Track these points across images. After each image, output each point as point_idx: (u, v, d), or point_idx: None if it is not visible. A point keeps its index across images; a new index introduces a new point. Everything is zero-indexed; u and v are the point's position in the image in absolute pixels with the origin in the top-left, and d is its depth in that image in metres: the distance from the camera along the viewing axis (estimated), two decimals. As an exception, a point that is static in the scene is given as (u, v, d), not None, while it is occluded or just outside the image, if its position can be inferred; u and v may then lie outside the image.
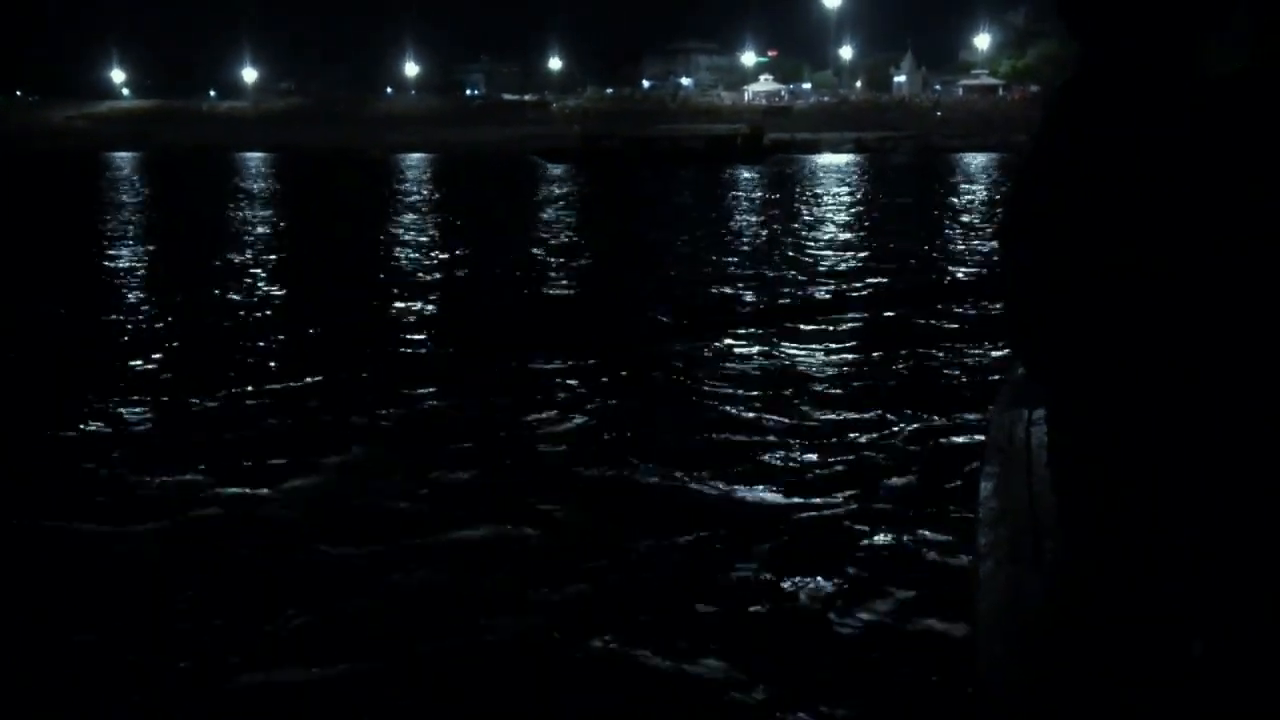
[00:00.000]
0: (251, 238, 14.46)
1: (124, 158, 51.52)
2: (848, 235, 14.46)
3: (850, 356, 6.36)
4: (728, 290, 9.30)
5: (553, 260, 11.71)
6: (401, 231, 15.35)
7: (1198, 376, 1.22)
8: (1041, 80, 69.75)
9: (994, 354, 6.33)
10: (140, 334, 7.48)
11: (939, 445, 4.58)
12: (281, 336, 7.28)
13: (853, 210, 19.12)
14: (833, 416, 5.06)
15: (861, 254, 12.17)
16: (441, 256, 12.29)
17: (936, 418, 4.98)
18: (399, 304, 8.80)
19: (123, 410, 5.21)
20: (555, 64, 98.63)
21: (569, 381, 5.60)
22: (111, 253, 12.65)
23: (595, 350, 6.62)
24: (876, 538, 3.58)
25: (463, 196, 25.12)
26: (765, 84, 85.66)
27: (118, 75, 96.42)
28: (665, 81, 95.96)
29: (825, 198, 22.34)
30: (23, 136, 66.75)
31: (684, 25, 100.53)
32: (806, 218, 17.38)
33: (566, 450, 4.61)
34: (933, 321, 7.38)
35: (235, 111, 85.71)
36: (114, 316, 8.12)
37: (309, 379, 5.90)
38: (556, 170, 37.53)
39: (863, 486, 4.06)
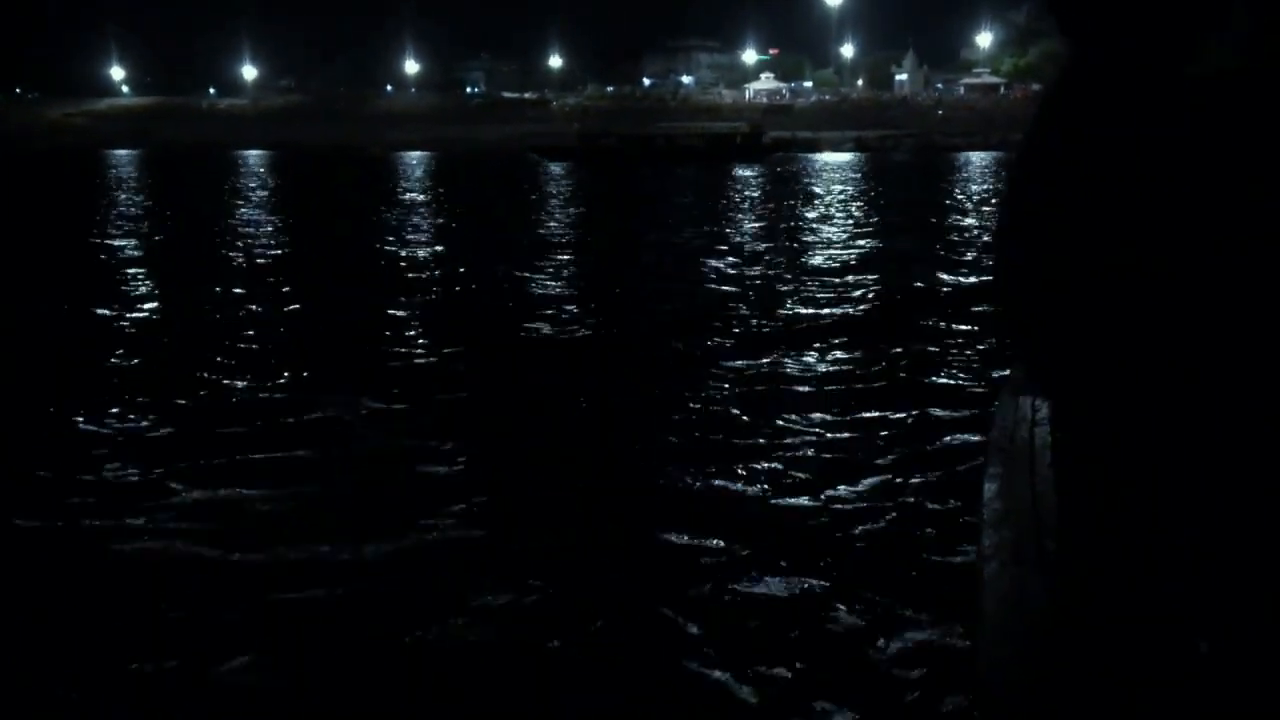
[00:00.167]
0: (251, 236, 14.46)
1: (123, 155, 51.51)
2: (846, 234, 14.45)
3: (851, 356, 6.36)
4: (727, 289, 9.29)
5: (552, 259, 11.71)
6: (401, 230, 15.35)
7: (1197, 376, 1.22)
8: (1043, 79, 69.37)
9: (995, 354, 6.32)
10: (140, 333, 7.47)
11: (941, 445, 4.57)
12: (281, 335, 7.27)
13: (852, 209, 19.10)
14: (833, 416, 5.05)
15: (861, 254, 12.16)
16: (440, 255, 12.28)
17: (938, 418, 4.98)
18: (399, 303, 8.79)
19: (122, 410, 5.20)
20: (556, 62, 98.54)
21: (569, 381, 5.60)
22: (111, 252, 12.64)
23: (595, 349, 6.63)
24: (878, 538, 3.58)
25: (462, 195, 25.11)
26: (766, 82, 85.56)
27: (117, 72, 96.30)
28: (666, 79, 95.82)
29: (825, 196, 22.33)
30: (22, 134, 66.70)
31: (685, 23, 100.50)
32: (806, 217, 17.37)
33: (566, 450, 4.61)
34: (934, 321, 7.38)
35: (235, 109, 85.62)
36: (113, 316, 8.11)
37: (308, 377, 5.90)
38: (556, 168, 37.52)
39: (864, 487, 4.06)
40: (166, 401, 5.32)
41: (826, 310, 8.11)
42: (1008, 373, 3.13)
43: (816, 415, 5.07)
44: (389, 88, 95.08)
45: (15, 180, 30.15)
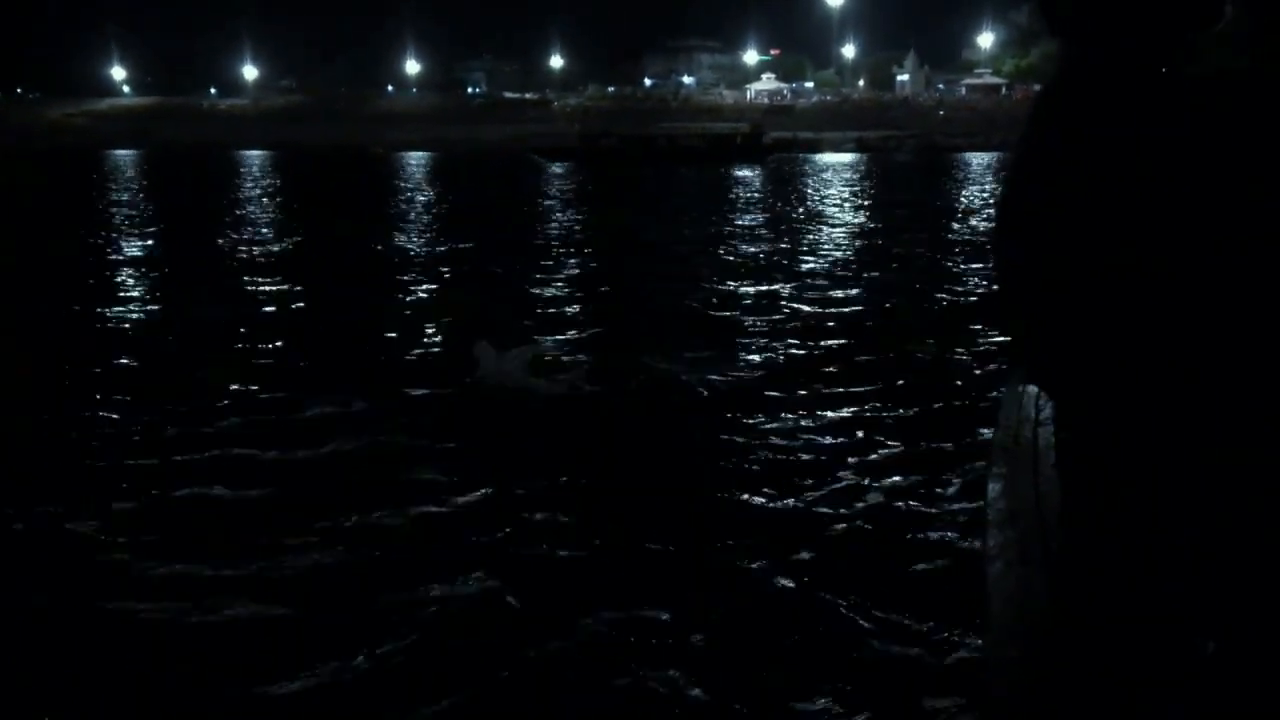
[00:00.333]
0: (251, 236, 14.46)
1: (124, 155, 51.53)
2: (847, 235, 14.45)
3: (852, 356, 6.35)
4: (727, 289, 9.29)
5: (552, 259, 11.71)
6: (401, 230, 15.35)
7: (1196, 376, 1.22)
8: (1045, 79, 69.50)
9: (998, 354, 6.32)
10: (139, 333, 7.48)
11: (943, 445, 4.57)
12: (281, 334, 7.27)
13: (853, 209, 19.10)
14: (835, 416, 5.05)
15: (862, 254, 12.16)
16: (441, 255, 12.28)
17: (941, 418, 4.98)
18: (399, 303, 8.80)
19: (122, 409, 5.20)
20: (557, 62, 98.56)
21: (569, 381, 5.59)
22: (111, 252, 12.64)
23: (594, 349, 6.62)
24: (880, 538, 3.57)
25: (463, 195, 25.11)
26: (767, 82, 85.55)
27: (118, 72, 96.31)
28: (667, 80, 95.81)
29: (826, 197, 22.32)
30: (22, 134, 66.73)
31: (686, 23, 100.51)
32: (806, 217, 17.37)
33: (566, 450, 4.61)
34: (935, 321, 7.38)
35: (235, 109, 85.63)
36: (113, 316, 8.11)
37: (308, 377, 5.90)
38: (557, 168, 37.52)
39: (866, 487, 4.06)
40: (166, 401, 5.32)
41: (827, 310, 8.11)
42: (1011, 373, 3.13)
43: (818, 415, 5.06)
44: (390, 88, 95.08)
45: (15, 180, 30.15)
